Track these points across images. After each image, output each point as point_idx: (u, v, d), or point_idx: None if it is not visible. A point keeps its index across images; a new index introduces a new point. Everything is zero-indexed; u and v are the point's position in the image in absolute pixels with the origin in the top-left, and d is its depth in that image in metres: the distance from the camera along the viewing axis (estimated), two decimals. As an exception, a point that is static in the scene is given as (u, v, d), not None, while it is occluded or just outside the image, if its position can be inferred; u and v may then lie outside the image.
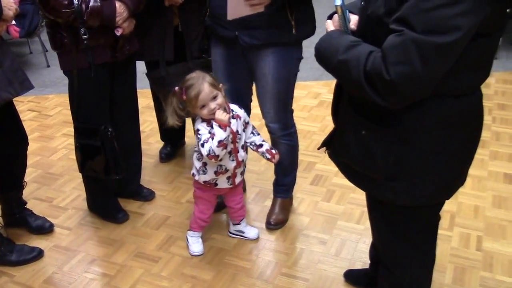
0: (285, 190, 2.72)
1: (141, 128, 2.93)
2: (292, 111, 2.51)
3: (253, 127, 2.36)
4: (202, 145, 2.11)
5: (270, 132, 2.50)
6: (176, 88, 2.15)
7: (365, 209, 2.73)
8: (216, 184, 2.31)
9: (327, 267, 2.40)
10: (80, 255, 2.52)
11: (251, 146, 2.34)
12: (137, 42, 2.52)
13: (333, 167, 3.19)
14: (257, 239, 2.59)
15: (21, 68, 2.28)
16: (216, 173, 2.25)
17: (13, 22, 2.21)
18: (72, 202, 2.93)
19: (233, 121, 2.19)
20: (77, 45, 2.28)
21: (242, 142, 2.27)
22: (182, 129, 3.36)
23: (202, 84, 2.09)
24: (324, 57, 1.55)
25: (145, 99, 3.63)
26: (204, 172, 2.27)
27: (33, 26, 4.67)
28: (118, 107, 2.61)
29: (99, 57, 2.34)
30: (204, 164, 2.25)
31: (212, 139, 2.08)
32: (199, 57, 2.68)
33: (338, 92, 1.78)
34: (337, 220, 2.72)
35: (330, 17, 1.66)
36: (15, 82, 2.19)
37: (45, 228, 2.66)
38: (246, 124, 2.31)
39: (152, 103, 3.27)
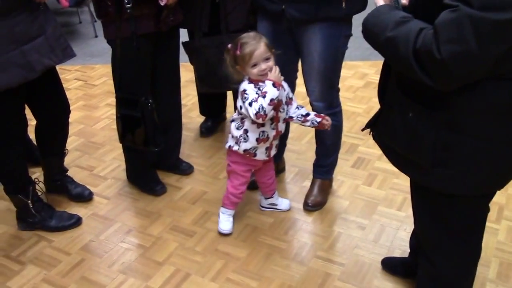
0: (325, 172, 2.64)
1: (183, 102, 2.91)
2: (338, 89, 2.42)
3: (297, 103, 2.32)
4: (250, 104, 2.08)
5: (314, 110, 2.42)
6: (230, 45, 2.13)
7: (408, 196, 2.65)
8: (255, 155, 2.27)
9: (364, 253, 2.33)
10: (117, 225, 2.54)
11: (298, 119, 2.29)
12: (181, 12, 2.47)
13: (376, 150, 3.13)
14: (288, 210, 2.59)
15: (64, 35, 2.27)
16: (258, 140, 2.22)
17: (64, -10, 2.19)
18: (112, 172, 2.95)
19: (280, 90, 2.13)
20: (121, 14, 2.25)
21: (284, 115, 2.23)
22: (222, 104, 3.33)
23: (259, 43, 2.07)
24: (372, 33, 1.46)
25: (188, 72, 3.60)
26: (245, 140, 2.23)
27: (83, -5, 4.70)
28: (160, 79, 2.58)
29: (142, 27, 2.31)
30: (246, 131, 2.22)
31: (264, 97, 2.06)
32: (236, 31, 2.60)
33: (386, 72, 1.69)
34: (377, 205, 2.63)
35: None
36: (57, 49, 2.19)
37: (84, 196, 2.68)
38: (290, 99, 2.27)
39: (194, 77, 3.24)
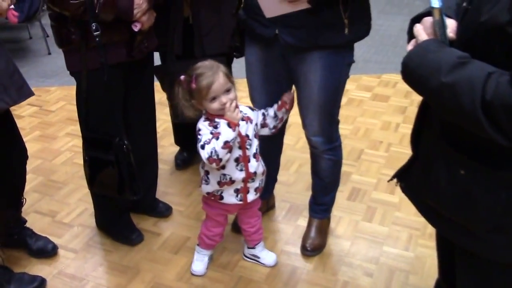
0: (323, 210, 2.37)
1: None
2: (338, 122, 2.15)
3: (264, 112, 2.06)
4: (202, 147, 1.81)
5: (311, 146, 2.14)
6: (182, 76, 1.86)
7: (412, 232, 2.41)
8: (221, 198, 1.99)
9: (377, 306, 2.07)
10: (89, 285, 2.18)
11: (270, 121, 2.02)
12: (155, 36, 2.14)
13: (371, 179, 2.90)
14: (274, 265, 2.26)
15: (19, 71, 1.91)
16: (219, 183, 1.94)
17: (12, 6, 1.84)
18: (78, 218, 2.58)
19: (242, 123, 1.88)
20: (87, 42, 1.91)
21: (254, 150, 1.95)
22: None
23: (217, 73, 1.81)
24: (418, 76, 1.19)
25: (156, 93, 3.25)
26: (207, 182, 1.98)
27: (33, 10, 4.27)
28: (132, 112, 2.25)
29: (113, 56, 1.97)
30: (207, 173, 1.97)
31: (217, 139, 1.79)
32: (215, 55, 2.30)
33: (422, 115, 1.42)
34: (382, 245, 2.37)
35: (417, 19, 1.30)
36: (11, 88, 1.83)
37: (47, 251, 2.31)
38: (263, 124, 2.03)
39: (165, 98, 2.88)
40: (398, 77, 4.02)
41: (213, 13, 2.34)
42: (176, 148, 3.05)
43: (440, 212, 1.35)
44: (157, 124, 3.25)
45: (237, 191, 1.97)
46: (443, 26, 1.20)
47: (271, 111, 2.03)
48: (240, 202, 2.00)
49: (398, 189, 2.77)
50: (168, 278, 2.21)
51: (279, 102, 2.01)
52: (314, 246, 2.31)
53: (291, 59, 1.95)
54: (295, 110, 2.12)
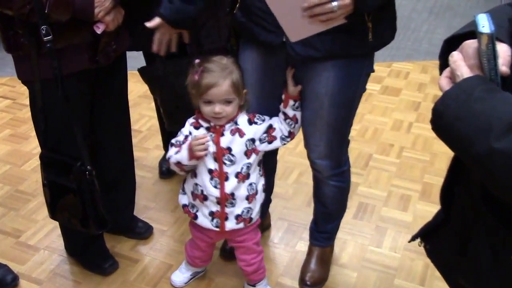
0: (326, 238, 2.04)
1: (136, 127, 2.23)
2: (348, 142, 1.80)
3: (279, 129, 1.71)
4: (171, 145, 1.67)
5: (315, 169, 1.80)
6: (197, 61, 1.60)
7: (428, 262, 2.09)
8: (196, 217, 1.74)
9: None
10: (52, 328, 1.87)
11: (282, 127, 1.69)
12: (128, 36, 1.78)
13: (380, 191, 2.57)
14: None
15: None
16: (192, 194, 1.73)
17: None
18: (46, 238, 2.25)
19: (226, 133, 1.62)
20: (39, 47, 1.55)
21: (238, 169, 1.64)
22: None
23: (224, 79, 1.55)
24: (458, 134, 0.84)
25: (141, 85, 2.89)
26: (183, 192, 1.79)
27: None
28: (103, 127, 1.91)
29: (72, 63, 1.62)
30: (184, 180, 1.79)
31: (176, 152, 1.65)
32: (212, 51, 1.94)
33: (454, 173, 1.08)
34: (393, 278, 2.05)
35: (453, 41, 0.95)
36: None
37: (5, 284, 1.99)
38: (270, 137, 1.69)
39: (149, 91, 2.52)
40: (409, 66, 3.65)
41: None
42: (162, 152, 2.71)
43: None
44: (141, 122, 2.94)
45: (212, 214, 1.70)
46: (493, 58, 0.84)
47: (281, 116, 1.70)
48: (216, 229, 1.72)
49: (412, 206, 2.49)
50: (145, 319, 1.90)
51: (283, 97, 1.68)
52: (315, 280, 1.99)
53: (299, 69, 1.59)
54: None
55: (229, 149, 1.61)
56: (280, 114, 1.68)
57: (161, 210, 2.41)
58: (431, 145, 2.83)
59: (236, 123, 1.63)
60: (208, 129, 1.60)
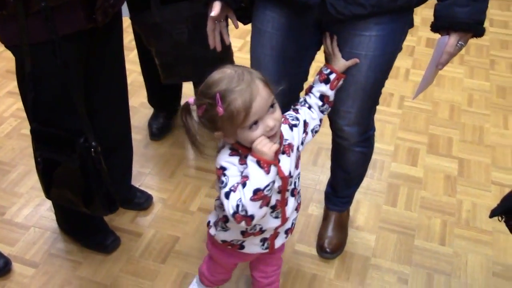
0: (344, 202, 1.92)
1: None
2: (377, 105, 1.64)
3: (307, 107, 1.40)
4: (227, 196, 1.15)
5: (340, 137, 1.64)
6: (191, 99, 1.19)
7: (446, 219, 2.03)
8: (242, 247, 1.39)
9: (419, 327, 1.70)
10: (56, 316, 1.71)
11: (316, 129, 1.40)
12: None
13: (387, 145, 2.44)
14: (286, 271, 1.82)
15: None
16: (244, 234, 1.34)
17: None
18: (34, 214, 2.04)
19: (282, 157, 1.24)
20: (27, 6, 1.29)
21: (294, 186, 1.32)
22: (176, 91, 2.43)
23: (253, 83, 1.11)
24: None
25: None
26: (225, 229, 1.37)
27: None
28: (99, 93, 1.68)
29: (67, 24, 1.37)
30: (225, 218, 1.34)
31: (244, 185, 1.13)
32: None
33: None
34: (413, 238, 1.97)
35: None
36: None
37: (-2, 269, 1.80)
38: (305, 135, 1.36)
39: (128, 41, 2.28)
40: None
41: None
42: (149, 111, 2.49)
43: None
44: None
45: (264, 240, 1.38)
46: None
47: (314, 100, 1.39)
48: (265, 251, 1.41)
49: (421, 160, 2.40)
50: (158, 299, 1.76)
51: (330, 76, 1.39)
52: (334, 246, 1.89)
53: (331, 28, 1.39)
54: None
55: (289, 174, 1.26)
56: (312, 98, 1.39)
57: (157, 176, 2.23)
58: (431, 93, 2.72)
59: (284, 138, 1.26)
60: (259, 163, 1.13)
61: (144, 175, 2.22)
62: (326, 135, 1.77)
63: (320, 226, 1.95)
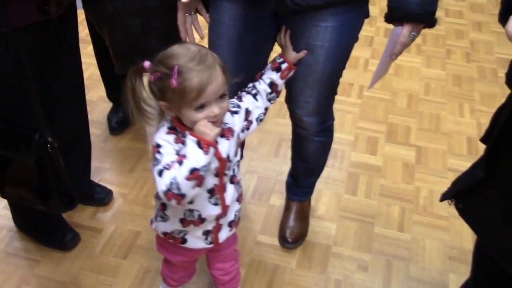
0: (305, 192, 1.94)
1: None
2: (335, 95, 1.65)
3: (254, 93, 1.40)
4: (160, 173, 1.12)
5: (300, 126, 1.65)
6: (147, 63, 1.17)
7: (405, 206, 2.08)
8: (184, 241, 1.35)
9: (379, 312, 1.73)
10: (14, 316, 1.67)
11: (261, 116, 1.38)
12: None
13: (347, 135, 2.46)
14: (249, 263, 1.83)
15: None
16: (183, 222, 1.31)
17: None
18: (-11, 213, 1.99)
19: (222, 140, 1.24)
20: None
21: (232, 172, 1.31)
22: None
23: (213, 69, 1.12)
24: None
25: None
26: (164, 219, 1.34)
27: None
28: (54, 84, 1.63)
29: (19, 16, 1.33)
30: (164, 206, 1.32)
31: (180, 163, 1.11)
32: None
33: (504, 124, 0.98)
34: (373, 225, 2.00)
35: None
36: None
37: (-49, 271, 1.74)
38: (247, 123, 1.35)
39: (85, 34, 2.22)
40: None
41: None
42: (108, 105, 2.45)
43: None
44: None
45: (207, 232, 1.34)
46: None
47: (263, 86, 1.38)
48: (210, 246, 1.38)
49: (380, 149, 2.44)
50: (119, 295, 1.74)
51: (282, 65, 1.40)
52: (296, 236, 1.91)
53: (288, 20, 1.39)
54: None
55: (228, 158, 1.25)
56: (261, 84, 1.38)
57: (116, 171, 2.20)
58: (390, 83, 2.76)
59: (224, 122, 1.25)
60: (199, 143, 1.12)
61: (104, 170, 2.19)
62: (287, 126, 1.78)
63: (282, 216, 1.97)
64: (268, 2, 1.32)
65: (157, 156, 1.16)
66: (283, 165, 2.23)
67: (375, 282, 1.80)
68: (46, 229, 1.86)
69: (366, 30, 3.16)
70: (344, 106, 2.58)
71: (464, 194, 1.11)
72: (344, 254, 1.89)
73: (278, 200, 2.07)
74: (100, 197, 2.03)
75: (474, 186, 1.07)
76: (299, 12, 1.32)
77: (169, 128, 1.20)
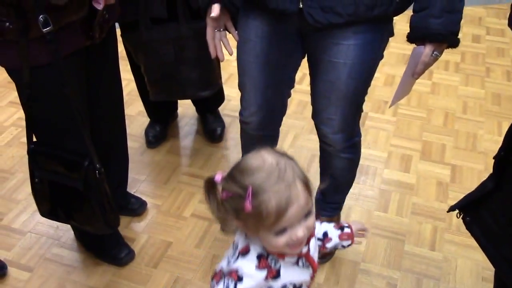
0: (334, 208, 1.95)
1: None
2: (362, 112, 1.66)
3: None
4: None
5: (326, 143, 1.67)
6: (218, 176, 1.02)
7: (437, 224, 2.05)
8: None
9: (407, 331, 1.71)
10: (49, 319, 1.75)
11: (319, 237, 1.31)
12: (118, 3, 1.56)
13: (380, 152, 2.46)
14: None
15: None
16: None
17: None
18: (31, 220, 2.08)
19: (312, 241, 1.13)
20: (27, 31, 1.30)
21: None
22: (171, 102, 2.48)
23: (293, 186, 0.95)
24: None
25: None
26: None
27: None
28: (98, 105, 1.69)
29: (67, 44, 1.40)
30: None
31: None
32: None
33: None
34: (403, 243, 1.99)
35: None
36: None
37: (-6, 273, 1.84)
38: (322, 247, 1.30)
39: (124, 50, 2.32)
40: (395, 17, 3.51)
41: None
42: (146, 119, 2.54)
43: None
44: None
45: None
46: None
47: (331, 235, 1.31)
48: None
49: (413, 167, 2.42)
50: (149, 303, 1.79)
51: (345, 229, 1.32)
52: (324, 251, 1.91)
53: (311, 37, 1.43)
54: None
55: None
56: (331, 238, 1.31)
57: (152, 183, 2.27)
58: (426, 100, 2.74)
59: None
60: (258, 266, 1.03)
61: (139, 182, 2.26)
62: (317, 142, 1.80)
63: (311, 231, 1.97)
64: (292, 20, 1.36)
65: (229, 284, 1.02)
66: (315, 180, 2.24)
67: (404, 300, 1.79)
68: (103, 244, 1.91)
69: (401, 48, 3.14)
70: (378, 123, 2.57)
71: (473, 207, 1.11)
72: (372, 271, 1.88)
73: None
74: (134, 207, 2.09)
75: (482, 197, 1.07)
76: (321, 30, 1.35)
77: (259, 258, 1.04)
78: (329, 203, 1.91)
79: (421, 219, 2.08)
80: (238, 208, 0.97)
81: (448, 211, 1.19)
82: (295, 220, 0.96)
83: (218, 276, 1.05)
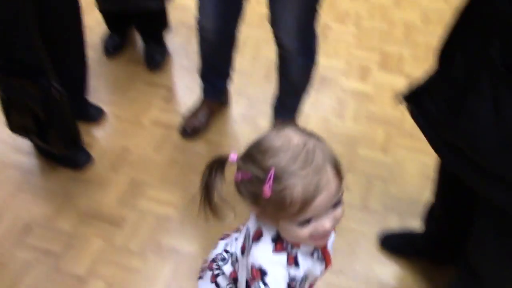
0: (289, 111, 1.98)
1: None
2: (317, 15, 1.64)
3: None
4: None
5: (282, 47, 1.66)
6: (234, 156, 0.88)
7: (389, 130, 2.10)
8: None
9: (355, 225, 1.80)
10: (7, 220, 1.77)
11: None
12: None
13: (339, 62, 2.47)
14: None
15: None
16: None
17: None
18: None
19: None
20: None
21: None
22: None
23: (324, 172, 0.82)
24: None
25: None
26: None
27: None
28: (51, 14, 1.63)
29: None
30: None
31: None
32: None
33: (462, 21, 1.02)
34: (356, 146, 2.05)
35: None
36: None
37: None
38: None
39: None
40: None
41: None
42: (101, 26, 2.48)
43: (471, 158, 1.00)
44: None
45: None
46: None
47: None
48: None
49: (371, 76, 2.45)
50: (108, 204, 1.83)
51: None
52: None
53: None
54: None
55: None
56: None
57: (109, 91, 2.26)
58: (387, 13, 2.73)
59: None
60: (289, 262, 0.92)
61: (97, 92, 2.24)
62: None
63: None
64: None
65: (260, 284, 0.90)
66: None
67: (354, 202, 1.86)
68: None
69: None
70: (339, 35, 2.56)
71: (417, 96, 1.14)
72: (325, 173, 1.94)
73: (267, 123, 2.11)
74: (92, 114, 2.09)
75: (425, 86, 1.10)
76: None
77: (274, 240, 0.91)
78: (285, 106, 1.94)
79: (375, 126, 2.13)
80: (256, 192, 0.83)
81: (397, 104, 1.22)
82: (323, 210, 0.84)
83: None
